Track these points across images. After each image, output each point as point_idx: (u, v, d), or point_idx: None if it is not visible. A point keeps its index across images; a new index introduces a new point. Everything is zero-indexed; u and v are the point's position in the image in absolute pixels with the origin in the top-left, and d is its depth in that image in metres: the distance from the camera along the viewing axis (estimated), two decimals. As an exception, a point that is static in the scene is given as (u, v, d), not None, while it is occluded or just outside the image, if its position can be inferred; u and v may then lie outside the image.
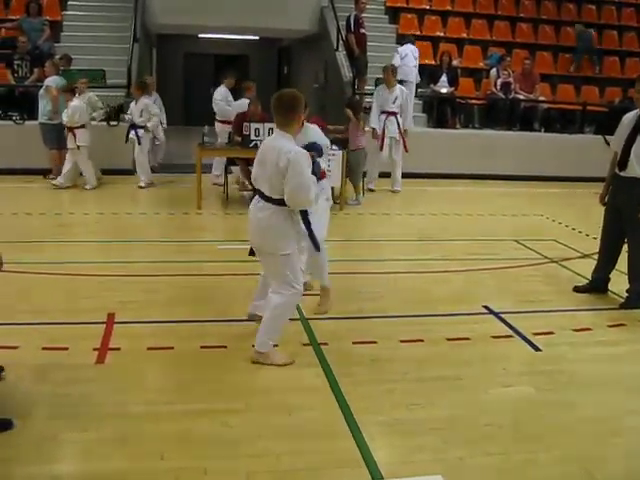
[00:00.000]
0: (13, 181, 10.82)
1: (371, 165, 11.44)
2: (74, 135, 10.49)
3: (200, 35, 20.00)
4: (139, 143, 11.06)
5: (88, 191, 10.62)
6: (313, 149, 4.75)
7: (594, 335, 5.47)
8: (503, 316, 5.72)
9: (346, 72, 13.73)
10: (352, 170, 10.27)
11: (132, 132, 11.03)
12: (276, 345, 4.71)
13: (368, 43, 13.56)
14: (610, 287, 6.45)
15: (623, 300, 6.20)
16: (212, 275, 6.58)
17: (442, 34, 15.64)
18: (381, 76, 12.88)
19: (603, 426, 4.02)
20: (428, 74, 13.88)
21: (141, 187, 11.08)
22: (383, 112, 11.46)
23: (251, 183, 4.97)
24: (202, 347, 4.85)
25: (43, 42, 12.90)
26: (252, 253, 4.83)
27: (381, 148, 11.43)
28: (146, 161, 11.30)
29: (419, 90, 13.68)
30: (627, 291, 6.17)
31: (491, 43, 15.63)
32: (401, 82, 11.93)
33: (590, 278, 6.56)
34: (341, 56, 14.03)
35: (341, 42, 13.92)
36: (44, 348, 4.72)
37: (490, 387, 4.47)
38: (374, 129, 11.42)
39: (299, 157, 4.35)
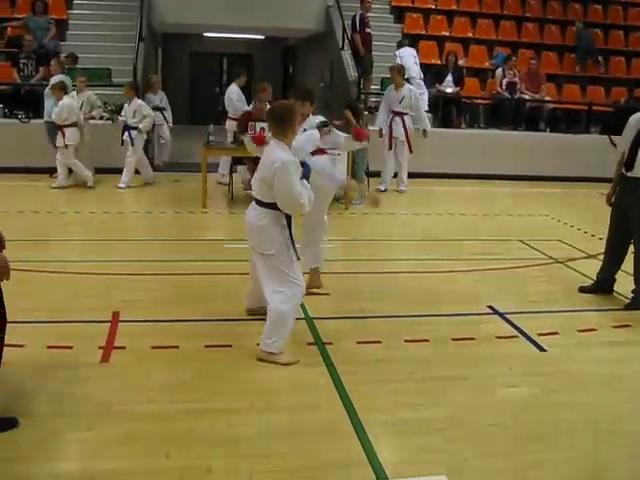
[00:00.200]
0: (19, 179, 10.84)
1: (384, 167, 11.48)
2: (63, 134, 10.48)
3: (205, 34, 19.99)
4: (132, 144, 10.91)
5: (92, 189, 10.63)
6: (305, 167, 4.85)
7: (599, 336, 5.46)
8: (508, 316, 5.71)
9: (351, 72, 13.72)
10: (354, 170, 10.34)
11: (126, 133, 10.92)
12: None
13: (373, 43, 13.54)
14: (615, 288, 6.43)
15: (628, 301, 6.18)
16: (217, 274, 6.58)
17: (448, 34, 15.62)
18: (386, 75, 12.91)
19: (608, 427, 4.01)
20: (434, 74, 13.87)
21: (120, 188, 10.85)
22: (392, 112, 11.51)
23: None
24: (207, 346, 4.85)
25: (49, 41, 12.93)
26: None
27: (390, 147, 11.45)
28: (133, 164, 11.03)
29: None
30: (633, 292, 6.15)
31: (497, 43, 15.61)
32: (407, 80, 11.95)
33: (595, 279, 6.54)
34: (346, 55, 14.02)
35: (346, 41, 13.89)
36: (49, 347, 4.72)
37: (495, 387, 4.46)
38: (380, 129, 11.45)
39: (286, 166, 4.50)
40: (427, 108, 12.99)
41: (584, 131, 14.27)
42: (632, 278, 6.17)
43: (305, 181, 4.67)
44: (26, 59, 12.35)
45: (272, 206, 4.64)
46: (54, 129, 10.79)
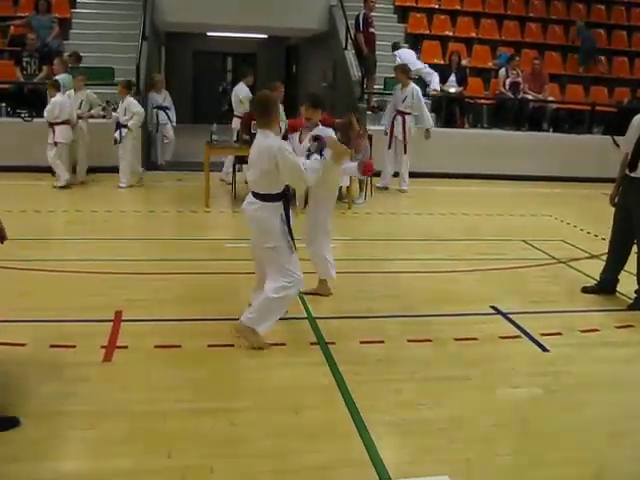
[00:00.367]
0: (22, 178, 10.82)
1: (383, 165, 11.49)
2: (53, 131, 10.46)
3: (209, 33, 20.00)
4: (120, 142, 10.77)
5: (92, 188, 10.63)
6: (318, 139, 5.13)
7: (602, 336, 5.45)
8: (511, 316, 5.71)
9: (355, 71, 13.71)
10: None
11: (117, 131, 10.80)
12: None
13: (377, 42, 13.54)
14: (618, 288, 6.42)
15: (631, 301, 6.17)
16: (220, 273, 6.58)
17: (451, 34, 15.60)
18: (390, 75, 12.94)
19: (611, 427, 4.01)
20: (437, 74, 13.86)
21: (120, 187, 10.80)
22: (396, 111, 11.60)
23: None
24: (209, 345, 4.85)
25: (52, 39, 12.92)
26: None
27: (389, 146, 11.47)
28: (127, 162, 10.91)
29: (427, 89, 13.67)
30: (635, 292, 6.14)
31: (500, 43, 15.59)
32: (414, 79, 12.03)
33: (598, 279, 6.53)
34: (350, 55, 14.01)
35: (350, 41, 13.88)
36: (52, 346, 4.72)
37: (498, 387, 4.46)
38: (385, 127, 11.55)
39: (282, 147, 4.71)
40: (438, 88, 13.35)
41: (587, 131, 14.25)
42: (635, 278, 6.16)
43: (317, 155, 4.95)
44: (29, 58, 12.35)
45: (271, 198, 4.75)
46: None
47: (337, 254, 6.18)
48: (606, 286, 6.44)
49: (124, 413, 3.89)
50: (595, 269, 6.76)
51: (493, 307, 5.92)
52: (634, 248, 6.27)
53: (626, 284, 6.33)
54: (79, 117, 10.89)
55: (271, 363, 4.65)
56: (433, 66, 14.22)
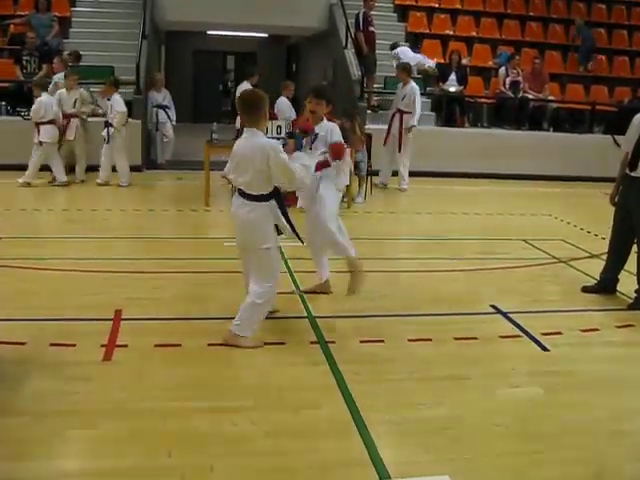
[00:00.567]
0: (21, 177, 10.81)
1: (381, 162, 11.50)
2: (38, 131, 10.43)
3: (209, 32, 20.00)
4: (107, 141, 10.76)
5: (92, 187, 10.62)
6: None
7: (602, 336, 5.45)
8: (511, 316, 5.70)
9: (355, 70, 13.72)
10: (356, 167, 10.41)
11: (105, 130, 10.76)
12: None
13: (377, 41, 13.57)
14: (619, 288, 6.42)
15: (631, 301, 6.17)
16: (220, 272, 6.57)
17: (451, 33, 15.62)
18: (390, 74, 12.97)
19: (611, 427, 4.00)
20: (437, 73, 13.87)
21: (121, 185, 10.84)
22: (396, 109, 11.66)
23: None
24: (209, 344, 4.84)
25: (52, 38, 12.94)
26: None
27: (384, 142, 11.49)
28: (124, 160, 10.89)
29: (428, 89, 13.69)
30: (636, 292, 6.14)
31: (500, 42, 15.60)
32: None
33: (599, 278, 6.53)
34: (350, 54, 14.02)
35: (350, 40, 13.90)
36: (51, 344, 4.71)
37: (498, 387, 4.45)
38: None
39: (274, 146, 4.64)
40: (433, 64, 13.73)
41: (587, 131, 14.27)
42: (635, 278, 6.15)
43: (300, 152, 4.95)
44: (29, 56, 12.37)
45: (263, 198, 4.72)
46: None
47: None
48: (606, 286, 6.43)
49: (124, 412, 3.89)
50: (595, 269, 6.75)
51: (493, 306, 5.92)
52: (634, 248, 6.26)
53: (626, 284, 6.32)
54: (74, 115, 10.86)
55: (271, 362, 4.64)
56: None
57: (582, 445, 3.78)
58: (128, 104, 12.08)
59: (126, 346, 4.77)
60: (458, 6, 16.00)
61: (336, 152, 5.54)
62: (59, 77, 11.21)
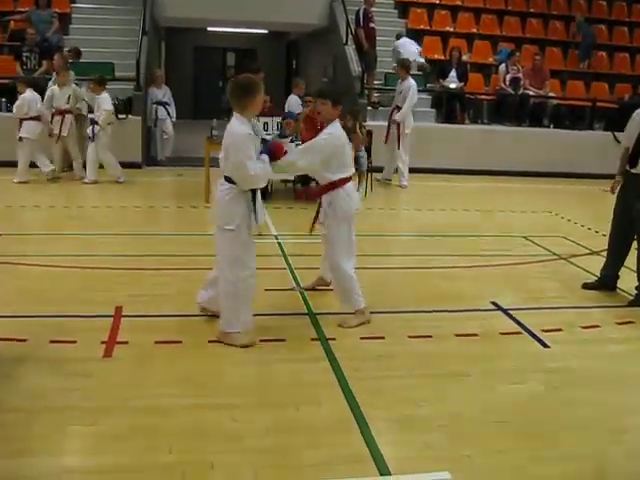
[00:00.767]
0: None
1: (383, 159, 11.52)
2: (20, 126, 10.39)
3: (209, 28, 19.98)
4: (92, 139, 10.63)
5: (90, 185, 10.57)
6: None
7: (602, 332, 5.45)
8: (511, 312, 5.71)
9: (355, 66, 13.71)
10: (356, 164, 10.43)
11: (90, 127, 10.64)
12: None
13: (377, 38, 13.55)
14: (619, 284, 6.42)
15: (632, 298, 6.17)
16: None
17: (452, 29, 15.61)
18: (390, 71, 12.97)
19: (611, 424, 4.00)
20: (437, 69, 13.88)
21: (119, 182, 10.78)
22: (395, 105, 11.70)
23: None
24: (210, 341, 4.84)
25: (52, 34, 12.92)
26: None
27: (385, 140, 11.49)
28: (110, 156, 10.77)
29: (428, 85, 13.69)
30: (636, 288, 6.14)
31: (501, 38, 15.59)
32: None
33: (599, 275, 6.53)
34: (350, 50, 14.01)
35: (350, 36, 13.89)
36: (52, 341, 4.72)
37: (498, 384, 4.45)
38: None
39: (239, 139, 4.57)
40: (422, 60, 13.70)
41: (588, 127, 14.25)
42: (635, 275, 6.15)
43: (264, 155, 4.72)
44: (29, 53, 12.35)
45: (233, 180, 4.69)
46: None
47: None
48: (607, 282, 6.43)
49: (124, 409, 3.89)
50: (596, 265, 6.75)
51: (494, 303, 5.92)
52: (634, 244, 6.26)
53: (627, 281, 6.32)
54: (68, 112, 10.82)
55: (271, 359, 4.64)
56: (433, 61, 14.25)
57: (582, 442, 3.79)
58: (128, 101, 12.10)
59: (127, 343, 4.77)
60: (458, 2, 15.98)
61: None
62: None
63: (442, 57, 14.61)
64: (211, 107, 18.83)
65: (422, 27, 15.37)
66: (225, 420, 3.80)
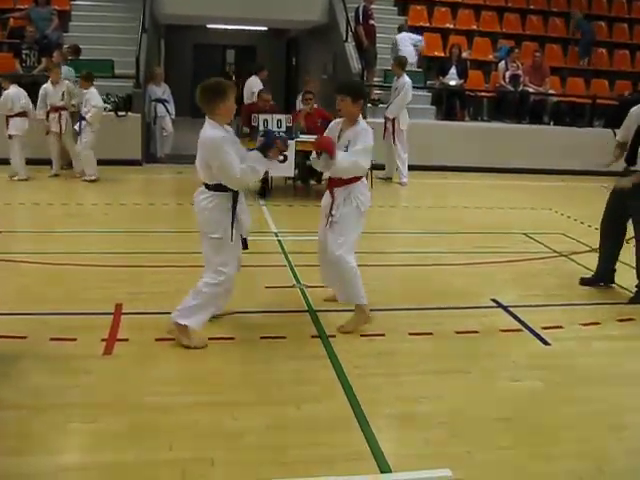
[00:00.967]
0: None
1: (383, 157, 11.52)
2: (7, 124, 10.38)
3: (209, 26, 19.95)
4: (78, 134, 10.57)
5: (91, 182, 10.56)
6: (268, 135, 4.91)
7: (603, 329, 5.45)
8: (512, 309, 5.70)
9: (355, 64, 13.70)
10: None
11: (78, 123, 10.58)
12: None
13: (377, 35, 13.55)
14: (619, 282, 6.42)
15: (632, 295, 6.16)
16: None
17: (452, 26, 15.60)
18: (389, 68, 12.95)
19: (612, 421, 4.00)
20: (437, 66, 13.87)
21: (90, 180, 10.62)
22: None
23: None
24: (210, 339, 4.84)
25: (51, 32, 12.91)
26: (245, 246, 4.92)
27: (383, 137, 11.49)
28: (91, 154, 10.60)
29: (428, 82, 13.68)
30: (636, 286, 6.13)
31: (501, 35, 15.59)
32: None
33: (595, 270, 6.52)
34: (350, 47, 14.00)
35: (350, 33, 13.88)
36: (52, 339, 4.71)
37: (499, 381, 4.45)
38: None
39: (216, 142, 4.59)
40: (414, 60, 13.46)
41: (588, 124, 14.24)
42: (634, 272, 6.15)
43: (257, 152, 4.68)
44: (28, 50, 12.33)
45: (218, 188, 4.69)
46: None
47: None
48: (603, 276, 6.43)
49: (125, 406, 3.89)
50: (595, 262, 6.73)
51: (494, 300, 5.92)
52: (634, 242, 6.24)
53: (627, 278, 6.32)
54: (64, 108, 10.80)
55: (272, 356, 4.64)
56: (433, 59, 14.25)
57: (582, 439, 3.79)
58: (127, 98, 12.09)
59: (127, 340, 4.77)
60: (458, -1, 15.99)
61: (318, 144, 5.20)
62: (64, 71, 11.18)
63: (442, 54, 14.61)
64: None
65: (422, 24, 15.35)
66: (225, 417, 3.80)
